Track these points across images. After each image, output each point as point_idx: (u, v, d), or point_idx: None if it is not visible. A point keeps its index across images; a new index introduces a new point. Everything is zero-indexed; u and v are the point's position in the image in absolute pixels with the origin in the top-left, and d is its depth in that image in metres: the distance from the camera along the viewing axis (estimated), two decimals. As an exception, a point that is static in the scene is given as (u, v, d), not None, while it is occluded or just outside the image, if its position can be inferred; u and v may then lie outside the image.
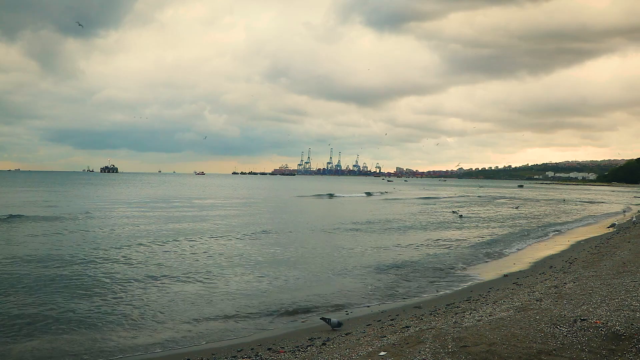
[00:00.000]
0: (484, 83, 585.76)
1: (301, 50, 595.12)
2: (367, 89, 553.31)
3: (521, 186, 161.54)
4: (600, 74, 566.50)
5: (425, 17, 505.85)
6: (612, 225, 28.77)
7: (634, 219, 30.38)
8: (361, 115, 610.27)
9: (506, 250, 21.14)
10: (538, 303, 8.67)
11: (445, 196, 75.02)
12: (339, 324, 9.70)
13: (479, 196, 77.89)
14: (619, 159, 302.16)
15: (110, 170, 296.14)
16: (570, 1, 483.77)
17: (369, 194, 77.84)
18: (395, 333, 8.20)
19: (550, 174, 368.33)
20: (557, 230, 29.11)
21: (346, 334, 8.98)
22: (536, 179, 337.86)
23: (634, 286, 9.24)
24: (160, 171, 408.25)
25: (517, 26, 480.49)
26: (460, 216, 37.56)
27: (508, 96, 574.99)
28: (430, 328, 7.70)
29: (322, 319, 9.96)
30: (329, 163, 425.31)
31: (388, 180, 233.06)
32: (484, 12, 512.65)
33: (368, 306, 11.89)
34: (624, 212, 42.76)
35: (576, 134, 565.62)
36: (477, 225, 31.31)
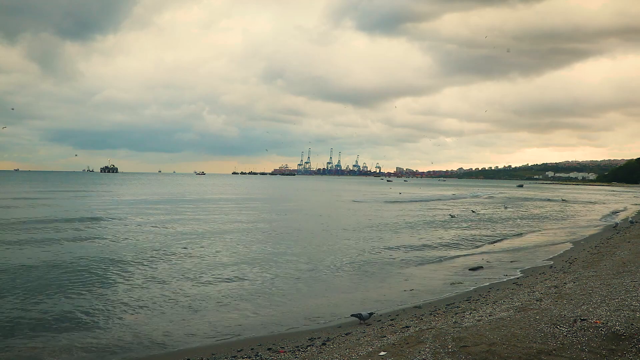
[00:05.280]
0: (478, 84, 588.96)
1: (297, 53, 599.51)
2: (363, 90, 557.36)
3: (521, 186, 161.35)
4: (595, 74, 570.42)
5: (420, 18, 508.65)
6: (615, 225, 28.79)
7: (631, 219, 30.39)
8: (359, 116, 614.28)
9: (505, 250, 21.13)
10: (538, 303, 8.67)
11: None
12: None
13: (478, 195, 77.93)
14: (619, 159, 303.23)
15: (110, 170, 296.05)
16: (563, 3, 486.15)
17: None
18: (395, 333, 8.20)
19: (550, 174, 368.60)
20: (557, 230, 29.10)
21: (346, 334, 8.98)
22: (536, 179, 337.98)
23: (634, 286, 9.24)
24: (160, 171, 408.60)
25: (512, 27, 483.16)
26: (452, 216, 37.32)
27: (503, 97, 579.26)
28: (430, 328, 7.70)
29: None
30: (329, 163, 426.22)
31: (388, 180, 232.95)
32: (479, 13, 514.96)
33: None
34: (614, 213, 42.60)
35: (573, 134, 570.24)
36: (471, 226, 31.30)
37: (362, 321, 10.03)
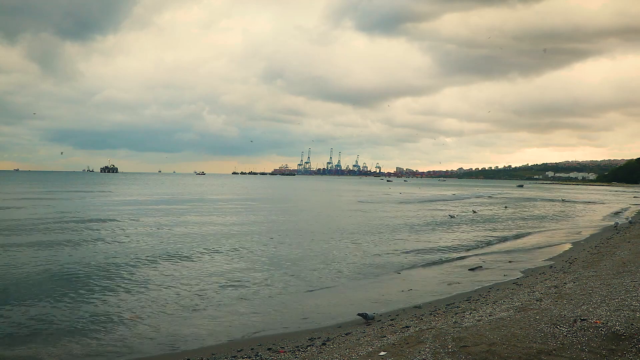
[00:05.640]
0: (478, 84, 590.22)
1: (297, 53, 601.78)
2: (363, 90, 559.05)
3: (521, 186, 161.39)
4: (594, 74, 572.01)
5: (419, 18, 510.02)
6: (616, 225, 28.80)
7: (630, 219, 30.39)
8: (358, 116, 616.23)
9: (505, 250, 21.14)
10: (538, 303, 8.68)
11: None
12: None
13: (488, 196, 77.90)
14: (619, 159, 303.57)
15: (110, 170, 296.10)
16: (563, 3, 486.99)
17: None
18: (395, 333, 8.20)
19: (550, 174, 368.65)
20: (557, 230, 29.11)
21: (346, 334, 8.98)
22: (536, 179, 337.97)
23: (634, 286, 9.25)
24: (160, 171, 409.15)
25: (512, 27, 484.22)
26: (451, 216, 37.22)
27: (503, 97, 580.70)
28: (430, 328, 7.70)
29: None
30: (329, 163, 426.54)
31: (388, 180, 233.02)
32: (478, 13, 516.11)
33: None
34: (617, 213, 42.51)
35: (573, 134, 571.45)
36: (471, 226, 31.31)
37: (367, 320, 10.09)
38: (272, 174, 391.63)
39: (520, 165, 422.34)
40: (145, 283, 13.54)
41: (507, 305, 8.98)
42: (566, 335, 6.44)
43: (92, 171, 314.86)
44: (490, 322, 7.52)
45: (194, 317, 10.76)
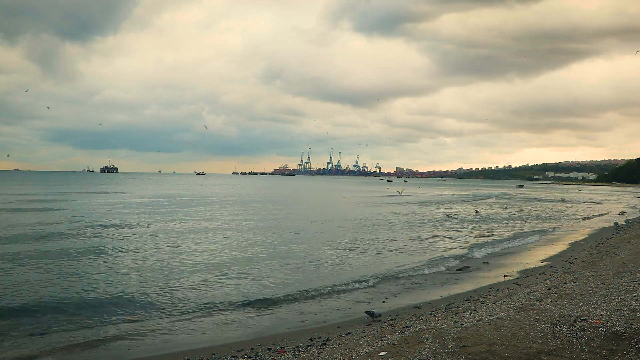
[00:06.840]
0: (477, 84, 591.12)
1: (296, 53, 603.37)
2: (362, 90, 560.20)
3: (521, 186, 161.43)
4: (593, 74, 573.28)
5: (418, 18, 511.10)
6: (616, 225, 28.80)
7: (628, 218, 30.35)
8: (358, 116, 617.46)
9: (505, 250, 21.14)
10: (538, 303, 8.67)
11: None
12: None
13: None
14: (619, 159, 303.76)
15: (110, 170, 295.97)
16: (561, 3, 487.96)
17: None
18: (395, 333, 8.20)
19: (550, 174, 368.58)
20: (557, 230, 29.11)
21: (346, 334, 8.98)
22: (536, 179, 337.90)
23: (634, 286, 9.25)
24: (160, 171, 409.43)
25: (511, 27, 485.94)
26: (448, 216, 37.27)
27: (503, 97, 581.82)
28: (430, 328, 7.70)
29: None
30: (329, 163, 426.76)
31: (388, 180, 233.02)
32: (477, 13, 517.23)
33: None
34: (622, 213, 42.51)
35: (572, 134, 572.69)
36: (471, 226, 31.31)
37: (373, 318, 10.18)
38: (272, 174, 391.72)
39: (520, 165, 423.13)
40: (144, 284, 13.52)
41: (507, 305, 8.98)
42: (566, 335, 6.44)
43: (92, 171, 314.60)
44: (490, 322, 7.52)
45: (194, 317, 10.76)
